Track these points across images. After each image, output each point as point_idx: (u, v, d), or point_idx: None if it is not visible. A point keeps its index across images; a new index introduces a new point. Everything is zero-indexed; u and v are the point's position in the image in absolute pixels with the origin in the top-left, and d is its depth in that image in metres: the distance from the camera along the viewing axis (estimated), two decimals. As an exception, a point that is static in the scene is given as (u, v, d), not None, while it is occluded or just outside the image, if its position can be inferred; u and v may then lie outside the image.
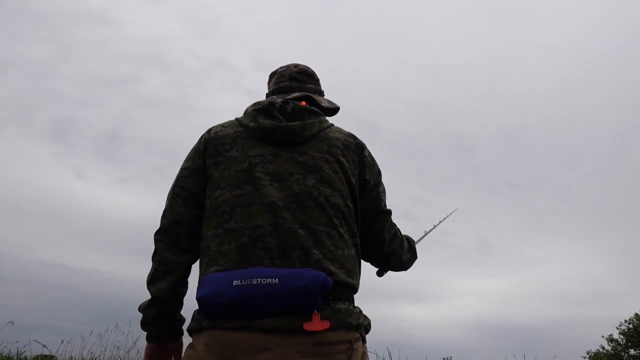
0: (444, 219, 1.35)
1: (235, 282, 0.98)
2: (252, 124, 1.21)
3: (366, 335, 1.11)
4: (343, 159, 1.20)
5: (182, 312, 1.21)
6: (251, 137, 1.21)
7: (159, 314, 1.17)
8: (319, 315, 0.97)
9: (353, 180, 1.20)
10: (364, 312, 1.12)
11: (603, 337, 20.97)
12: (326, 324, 0.97)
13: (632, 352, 20.01)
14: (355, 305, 1.11)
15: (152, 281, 1.16)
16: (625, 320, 20.47)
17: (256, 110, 1.23)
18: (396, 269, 1.37)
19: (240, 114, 1.30)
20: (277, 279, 0.97)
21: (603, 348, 20.67)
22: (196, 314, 1.08)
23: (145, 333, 1.22)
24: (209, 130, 1.28)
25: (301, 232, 1.07)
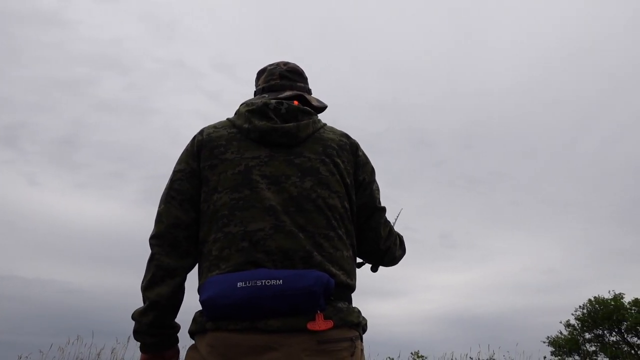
0: (393, 223, 1.40)
1: (239, 284, 0.99)
2: (246, 125, 1.20)
3: (363, 335, 1.13)
4: (339, 160, 1.20)
5: (178, 317, 1.18)
6: (246, 139, 1.19)
7: (156, 321, 1.12)
8: (323, 315, 0.99)
9: (349, 181, 1.21)
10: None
11: (561, 322, 21.93)
12: (330, 324, 0.99)
13: (587, 335, 21.00)
14: (353, 305, 1.13)
15: (149, 286, 1.12)
16: (580, 306, 21.46)
17: (250, 111, 1.22)
18: (389, 265, 1.39)
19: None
20: (281, 280, 0.98)
21: (561, 333, 21.61)
22: (198, 316, 1.07)
23: (139, 343, 1.16)
24: (201, 132, 1.26)
25: (301, 235, 1.07)
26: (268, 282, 0.98)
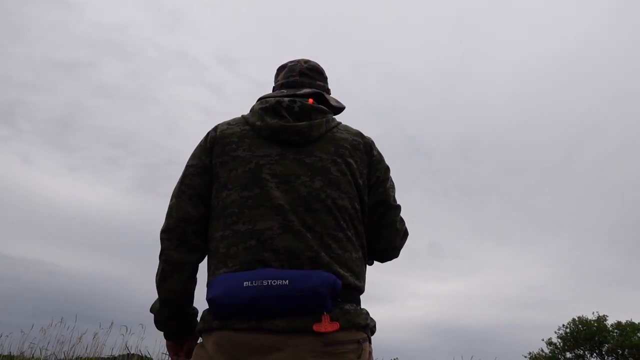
0: None
1: (245, 283, 0.98)
2: (258, 123, 1.19)
3: (371, 337, 1.12)
4: (351, 160, 1.19)
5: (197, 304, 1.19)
6: (258, 137, 1.19)
7: (172, 314, 1.17)
8: (329, 316, 0.98)
9: (361, 182, 1.19)
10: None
11: (543, 340, 22.09)
12: (336, 325, 0.98)
13: (568, 355, 21.16)
14: (362, 307, 1.12)
15: (160, 281, 1.14)
16: (563, 325, 21.64)
17: (263, 108, 1.21)
18: (390, 260, 1.37)
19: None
20: (287, 281, 0.98)
21: (542, 351, 21.77)
22: (206, 314, 1.07)
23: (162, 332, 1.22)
24: (215, 128, 1.26)
25: (309, 236, 1.07)
26: (274, 282, 0.97)
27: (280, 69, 1.45)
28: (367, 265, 1.30)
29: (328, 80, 1.48)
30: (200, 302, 1.16)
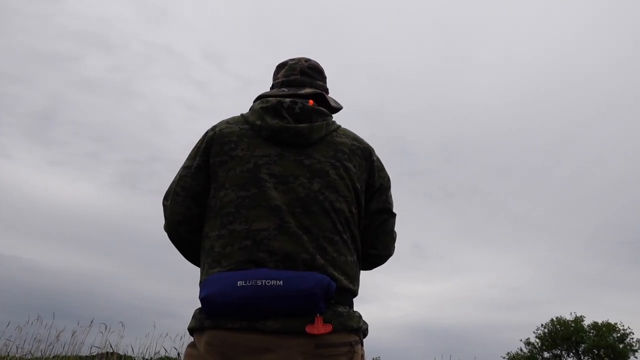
0: None
1: (239, 283, 0.98)
2: (258, 122, 1.19)
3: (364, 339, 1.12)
4: (349, 164, 1.19)
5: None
6: (257, 136, 1.18)
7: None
8: (322, 318, 0.97)
9: (359, 186, 1.19)
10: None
11: (521, 340, 22.44)
12: (329, 327, 0.97)
13: (545, 354, 21.55)
14: (355, 310, 1.12)
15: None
16: (542, 325, 22.01)
17: (263, 108, 1.20)
18: (378, 266, 1.38)
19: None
20: (281, 281, 0.97)
21: (521, 350, 22.11)
22: (198, 313, 1.06)
23: None
24: (213, 128, 1.25)
25: (305, 238, 1.06)
26: (268, 283, 0.97)
27: (281, 67, 1.43)
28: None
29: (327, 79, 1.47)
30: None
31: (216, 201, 1.14)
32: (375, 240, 1.27)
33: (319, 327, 0.96)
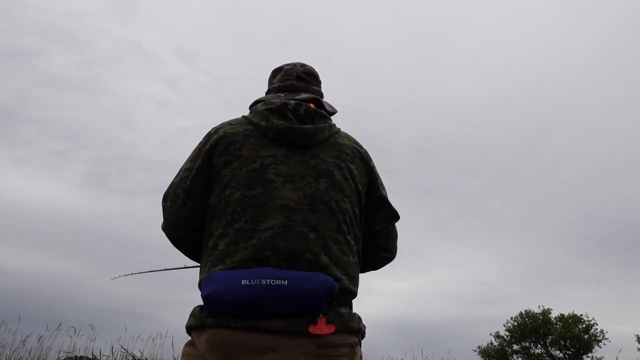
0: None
1: (243, 282, 0.97)
2: (263, 123, 1.19)
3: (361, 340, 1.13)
4: (352, 166, 1.21)
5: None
6: (263, 137, 1.19)
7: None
8: (325, 319, 0.98)
9: (361, 188, 1.21)
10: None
11: (491, 334, 22.96)
12: (332, 328, 0.97)
13: (515, 347, 22.12)
14: (354, 311, 1.12)
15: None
16: (512, 318, 22.56)
17: (268, 109, 1.21)
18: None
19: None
20: (286, 281, 0.97)
21: (491, 343, 22.63)
22: (198, 311, 1.05)
23: None
24: (216, 130, 1.25)
25: (311, 236, 1.06)
26: (273, 282, 0.96)
27: (276, 72, 1.44)
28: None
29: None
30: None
31: (220, 200, 1.13)
32: (388, 244, 1.33)
33: (322, 328, 0.96)
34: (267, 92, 1.43)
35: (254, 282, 0.97)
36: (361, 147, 1.31)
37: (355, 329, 1.05)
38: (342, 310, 1.04)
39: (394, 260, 1.39)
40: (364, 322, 1.11)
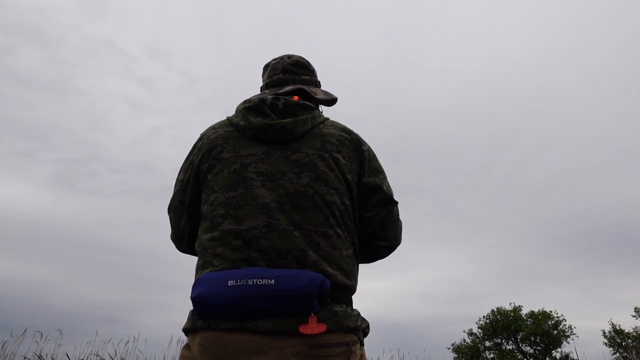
0: None
1: (230, 282, 0.95)
2: (242, 123, 1.18)
3: (364, 339, 1.10)
4: (338, 156, 1.16)
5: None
6: (242, 137, 1.17)
7: None
8: (316, 318, 0.95)
9: (350, 177, 1.16)
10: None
11: (464, 331, 23.40)
12: (323, 327, 0.94)
13: (487, 343, 22.59)
14: (354, 307, 1.08)
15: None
16: (484, 316, 23.05)
17: (246, 108, 1.19)
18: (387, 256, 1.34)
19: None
20: (273, 280, 0.94)
21: (464, 341, 23.05)
22: (191, 314, 1.04)
23: None
24: (201, 137, 1.25)
25: (296, 234, 1.04)
26: (260, 282, 0.94)
27: (265, 68, 1.42)
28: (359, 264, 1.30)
29: (317, 72, 1.45)
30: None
31: (207, 205, 1.13)
32: (383, 232, 1.23)
33: (312, 327, 0.93)
34: (260, 90, 1.41)
35: (240, 282, 0.94)
36: (351, 132, 1.24)
37: (351, 328, 1.00)
38: (337, 308, 1.00)
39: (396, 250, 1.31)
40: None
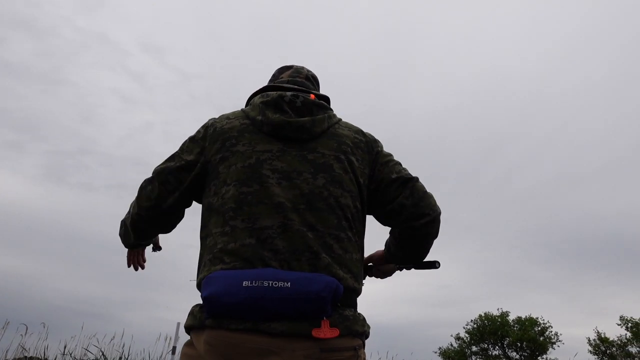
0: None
1: (245, 283, 0.94)
2: (259, 118, 1.16)
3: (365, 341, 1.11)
4: (353, 158, 1.16)
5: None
6: (258, 132, 1.15)
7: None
8: (329, 322, 0.95)
9: (362, 181, 1.16)
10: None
11: (452, 336, 23.46)
12: (336, 332, 0.94)
13: (474, 348, 22.68)
14: (358, 311, 1.08)
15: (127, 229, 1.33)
16: (471, 320, 23.13)
17: (264, 103, 1.18)
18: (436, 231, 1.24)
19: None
20: (289, 283, 0.94)
21: (451, 345, 23.12)
22: (197, 311, 1.02)
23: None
24: (213, 124, 1.21)
25: (310, 235, 1.03)
26: (275, 284, 0.93)
27: (285, 69, 1.43)
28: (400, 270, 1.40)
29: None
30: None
31: (218, 198, 1.10)
32: (419, 209, 1.16)
33: (325, 331, 0.93)
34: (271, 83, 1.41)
35: (255, 283, 0.93)
36: (365, 135, 1.25)
37: (359, 332, 1.02)
38: (347, 312, 1.01)
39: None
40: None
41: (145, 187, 1.19)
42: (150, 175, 1.21)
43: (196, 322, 1.00)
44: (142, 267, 1.51)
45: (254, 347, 0.93)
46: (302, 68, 1.42)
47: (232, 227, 1.04)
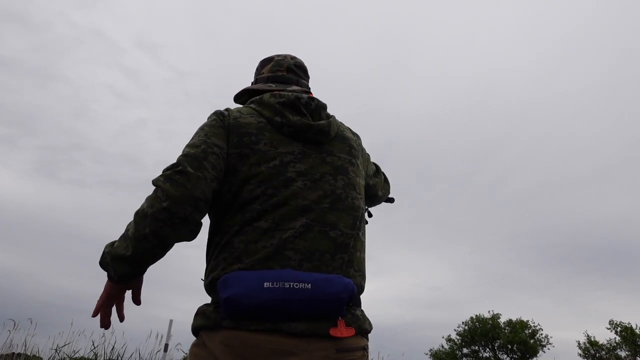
0: None
1: (266, 284, 0.93)
2: (278, 119, 1.15)
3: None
4: (358, 161, 1.22)
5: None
6: (277, 132, 1.14)
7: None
8: (344, 321, 0.97)
9: (363, 182, 1.24)
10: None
11: (443, 337, 23.50)
12: (352, 331, 0.96)
13: (465, 350, 22.73)
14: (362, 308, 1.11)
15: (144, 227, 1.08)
16: (462, 322, 23.19)
17: (281, 103, 1.17)
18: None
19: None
20: (309, 285, 0.94)
21: (442, 347, 23.16)
22: (211, 311, 0.99)
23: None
24: (228, 114, 1.16)
25: (331, 235, 1.05)
26: (296, 285, 0.94)
27: (266, 62, 1.40)
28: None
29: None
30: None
31: (237, 195, 1.06)
32: (386, 196, 1.52)
33: (342, 331, 0.95)
34: (255, 82, 1.39)
35: (277, 284, 0.93)
36: (358, 136, 1.32)
37: (367, 331, 1.05)
38: (357, 312, 1.03)
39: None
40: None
41: (172, 177, 1.00)
42: (174, 161, 1.05)
43: (210, 322, 0.97)
44: (122, 318, 1.17)
45: (273, 348, 0.92)
46: (284, 59, 1.38)
47: (254, 227, 1.02)
